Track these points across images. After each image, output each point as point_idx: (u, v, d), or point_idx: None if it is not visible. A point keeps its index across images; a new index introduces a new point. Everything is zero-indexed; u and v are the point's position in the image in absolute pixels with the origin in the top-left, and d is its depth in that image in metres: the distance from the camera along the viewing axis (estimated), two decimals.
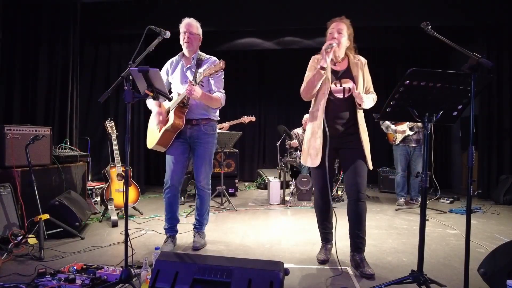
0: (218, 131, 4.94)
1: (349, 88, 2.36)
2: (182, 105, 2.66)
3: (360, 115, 2.40)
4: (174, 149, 2.76)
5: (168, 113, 2.74)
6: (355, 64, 2.41)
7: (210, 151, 2.83)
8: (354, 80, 2.37)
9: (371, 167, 2.40)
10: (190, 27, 2.72)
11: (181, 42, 2.75)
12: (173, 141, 2.74)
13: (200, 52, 2.82)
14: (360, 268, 2.31)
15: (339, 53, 2.40)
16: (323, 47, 2.25)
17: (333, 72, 2.41)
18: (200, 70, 2.70)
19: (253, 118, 5.21)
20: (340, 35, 2.34)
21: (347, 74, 2.40)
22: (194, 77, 2.71)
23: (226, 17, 5.66)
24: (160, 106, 2.79)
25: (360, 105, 2.32)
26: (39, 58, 4.88)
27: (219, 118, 2.97)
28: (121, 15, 5.60)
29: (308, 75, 2.45)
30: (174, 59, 2.88)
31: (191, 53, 2.78)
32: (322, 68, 2.25)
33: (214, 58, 2.82)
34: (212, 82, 2.75)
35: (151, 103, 2.81)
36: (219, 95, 2.75)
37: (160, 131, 2.71)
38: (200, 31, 2.79)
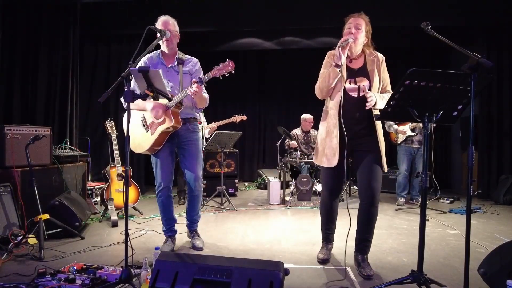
0: (207, 130, 4.96)
1: (363, 86, 2.28)
2: (179, 105, 2.62)
3: (375, 115, 2.29)
4: (162, 150, 2.72)
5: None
6: (371, 61, 2.31)
7: (200, 149, 2.84)
8: (370, 78, 2.28)
9: (386, 169, 2.31)
10: (167, 25, 2.63)
11: (160, 42, 2.63)
12: None
13: (179, 52, 2.77)
14: (360, 268, 2.31)
15: (356, 49, 2.30)
16: (338, 43, 2.18)
17: (348, 69, 2.32)
18: (185, 69, 2.70)
19: (244, 117, 5.03)
20: (358, 31, 2.25)
21: (363, 72, 2.30)
22: (180, 77, 2.68)
23: (226, 17, 5.66)
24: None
25: (371, 105, 2.22)
26: (39, 58, 4.88)
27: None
28: (121, 15, 5.60)
29: (323, 71, 2.36)
30: (152, 55, 2.75)
31: (172, 51, 2.73)
32: (337, 65, 2.18)
33: (195, 59, 2.81)
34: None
35: (139, 101, 2.65)
36: (206, 95, 2.74)
37: (152, 133, 2.64)
38: (177, 28, 2.72)
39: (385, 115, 1.98)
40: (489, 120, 5.53)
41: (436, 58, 6.84)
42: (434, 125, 4.32)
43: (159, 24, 2.64)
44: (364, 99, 2.23)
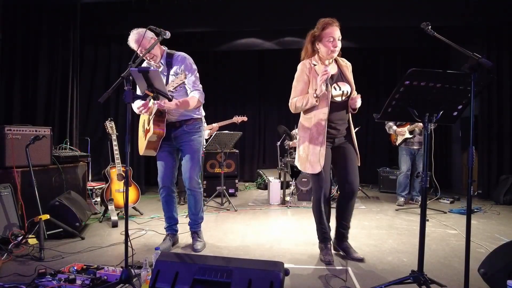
0: (207, 131, 4.93)
1: (347, 91, 2.48)
2: (160, 114, 2.65)
3: (351, 116, 2.60)
4: (161, 152, 2.81)
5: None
6: (345, 67, 2.56)
7: (196, 150, 2.80)
8: (349, 83, 2.51)
9: (359, 164, 2.57)
10: (142, 45, 2.50)
11: (145, 62, 2.71)
12: (160, 144, 2.76)
13: (167, 51, 2.72)
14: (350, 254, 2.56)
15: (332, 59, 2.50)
16: (319, 79, 2.32)
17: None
18: (171, 71, 2.67)
19: (245, 118, 5.05)
20: (339, 42, 2.44)
21: (341, 77, 2.52)
22: (166, 81, 2.65)
23: (226, 17, 5.65)
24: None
25: (354, 109, 2.49)
26: (39, 58, 4.87)
27: (204, 114, 2.92)
28: (121, 15, 5.59)
29: (298, 83, 2.51)
30: (144, 65, 2.76)
31: (158, 60, 2.69)
32: (317, 96, 2.36)
33: (182, 54, 2.72)
34: (185, 81, 2.63)
35: (135, 105, 2.67)
36: (195, 93, 2.68)
37: (145, 139, 2.73)
38: (151, 35, 2.56)
39: (385, 115, 1.98)
40: (489, 120, 5.52)
41: (436, 58, 6.83)
42: (434, 125, 4.32)
43: (134, 46, 2.56)
44: (346, 102, 2.49)
